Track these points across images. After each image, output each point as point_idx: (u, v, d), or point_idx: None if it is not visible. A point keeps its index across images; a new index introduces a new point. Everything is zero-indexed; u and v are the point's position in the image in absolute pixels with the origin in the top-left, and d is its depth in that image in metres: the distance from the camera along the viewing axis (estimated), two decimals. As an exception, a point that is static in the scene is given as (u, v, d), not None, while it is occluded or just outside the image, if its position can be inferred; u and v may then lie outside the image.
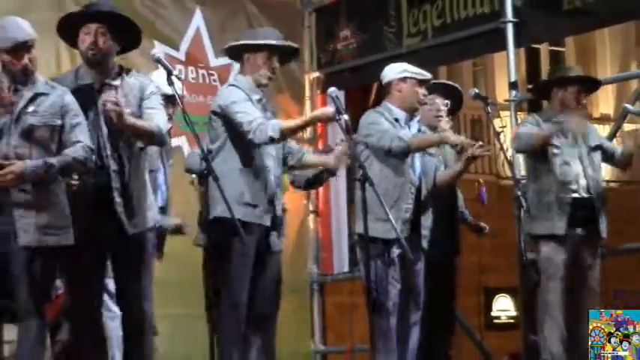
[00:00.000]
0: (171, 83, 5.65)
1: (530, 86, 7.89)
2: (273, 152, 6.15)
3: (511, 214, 6.91)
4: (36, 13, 7.73)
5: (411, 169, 6.58)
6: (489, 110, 6.99)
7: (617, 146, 7.28)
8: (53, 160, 5.31)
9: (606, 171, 10.22)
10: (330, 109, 5.91)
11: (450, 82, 7.89)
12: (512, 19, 7.94)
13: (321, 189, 8.85)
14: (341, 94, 6.84)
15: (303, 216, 9.30)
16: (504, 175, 14.50)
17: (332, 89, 5.99)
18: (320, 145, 9.22)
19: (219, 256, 6.18)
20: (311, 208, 9.31)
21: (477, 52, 9.93)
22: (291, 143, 6.52)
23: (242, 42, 6.21)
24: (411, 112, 6.63)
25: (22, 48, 5.39)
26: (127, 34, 5.74)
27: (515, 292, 13.65)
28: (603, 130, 10.06)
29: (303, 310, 8.99)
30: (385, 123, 6.55)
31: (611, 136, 8.54)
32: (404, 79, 6.62)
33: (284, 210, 6.41)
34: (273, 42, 6.19)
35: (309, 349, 9.10)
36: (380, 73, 6.90)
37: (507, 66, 8.22)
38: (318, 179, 6.74)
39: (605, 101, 18.42)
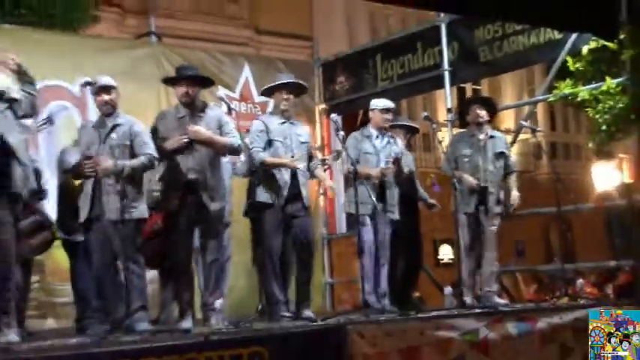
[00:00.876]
0: (229, 113, 6.63)
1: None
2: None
3: (450, 195, 7.18)
4: (143, 70, 8.57)
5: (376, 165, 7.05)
6: (434, 127, 7.69)
7: (512, 157, 7.58)
8: (126, 163, 5.77)
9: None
10: (292, 164, 6.37)
11: (407, 123, 8.18)
12: (447, 69, 8.71)
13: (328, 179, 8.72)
14: (339, 118, 7.09)
15: (316, 196, 9.36)
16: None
17: (333, 115, 7.07)
18: (327, 151, 9.54)
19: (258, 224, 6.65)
20: (321, 191, 9.37)
21: (426, 90, 10.55)
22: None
23: (270, 85, 6.83)
24: (381, 130, 7.20)
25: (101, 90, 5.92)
26: (206, 82, 6.42)
27: (452, 242, 14.81)
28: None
29: (317, 256, 8.51)
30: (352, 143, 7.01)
31: (512, 143, 9.13)
32: (372, 110, 7.24)
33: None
34: (285, 80, 6.74)
35: (321, 280, 9.41)
36: (363, 105, 7.72)
37: (445, 98, 8.94)
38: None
39: (508, 119, 18.96)
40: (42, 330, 7.07)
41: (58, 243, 7.04)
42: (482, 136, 7.32)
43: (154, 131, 6.16)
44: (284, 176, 6.52)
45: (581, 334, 6.17)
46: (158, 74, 8.47)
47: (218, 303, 5.71)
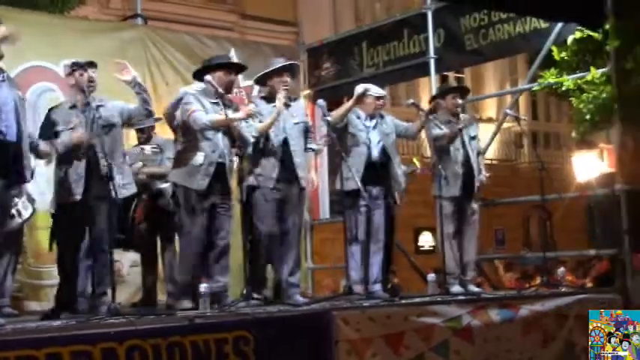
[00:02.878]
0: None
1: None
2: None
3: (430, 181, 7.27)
4: (129, 52, 8.36)
5: (364, 145, 6.94)
6: (421, 114, 7.24)
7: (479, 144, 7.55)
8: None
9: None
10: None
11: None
12: (433, 56, 8.75)
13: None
14: (325, 104, 6.81)
15: None
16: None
17: (320, 100, 6.86)
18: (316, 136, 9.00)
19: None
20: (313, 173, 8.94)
21: (411, 77, 10.74)
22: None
23: (265, 71, 6.74)
24: (370, 113, 7.11)
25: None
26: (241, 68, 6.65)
27: (433, 229, 14.80)
28: (488, 129, 10.27)
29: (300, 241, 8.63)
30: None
31: (496, 131, 9.45)
32: (366, 95, 7.07)
33: None
34: (285, 63, 6.75)
35: (304, 266, 9.03)
36: (348, 92, 7.48)
37: (429, 85, 8.98)
38: None
39: (490, 108, 19.02)
40: (24, 312, 7.00)
41: (42, 224, 7.06)
42: (459, 125, 7.26)
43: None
44: (271, 160, 6.43)
45: (563, 321, 6.50)
46: (144, 57, 8.61)
47: (204, 287, 5.66)
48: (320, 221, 9.98)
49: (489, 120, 18.11)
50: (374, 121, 7.17)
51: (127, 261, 7.97)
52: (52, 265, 7.01)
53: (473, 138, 7.37)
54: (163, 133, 7.34)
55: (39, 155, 5.76)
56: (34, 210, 6.53)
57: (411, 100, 7.64)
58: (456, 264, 7.20)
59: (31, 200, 6.49)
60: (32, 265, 7.65)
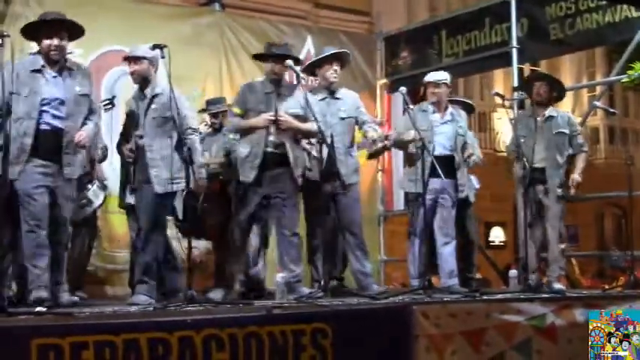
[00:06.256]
0: (298, 82, 6.21)
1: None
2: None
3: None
4: (206, 38, 8.46)
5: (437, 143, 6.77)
6: (507, 104, 7.23)
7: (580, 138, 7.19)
8: None
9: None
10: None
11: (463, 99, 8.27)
12: (516, 46, 8.45)
13: (386, 155, 9.14)
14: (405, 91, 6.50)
15: (374, 172, 9.52)
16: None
17: (402, 88, 6.50)
18: (388, 127, 9.23)
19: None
20: (379, 167, 9.53)
21: (491, 67, 10.25)
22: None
23: (320, 57, 6.66)
24: (437, 104, 6.91)
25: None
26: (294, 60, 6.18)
27: (504, 224, 14.58)
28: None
29: (374, 233, 9.10)
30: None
31: (582, 123, 8.94)
32: (425, 85, 7.05)
33: None
34: (335, 51, 6.63)
35: (377, 258, 9.20)
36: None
37: (512, 76, 8.57)
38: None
39: (565, 102, 18.18)
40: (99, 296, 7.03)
41: (114, 209, 7.11)
42: (539, 117, 7.05)
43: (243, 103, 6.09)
44: (316, 152, 6.29)
45: None
46: (221, 43, 8.61)
47: (280, 277, 5.55)
48: (393, 212, 9.81)
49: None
50: (445, 116, 6.98)
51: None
52: (126, 249, 7.16)
53: (560, 134, 7.06)
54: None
55: None
56: (105, 197, 6.62)
57: (496, 91, 7.52)
58: (535, 258, 6.98)
59: (104, 187, 6.56)
60: (107, 250, 7.67)
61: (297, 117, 6.08)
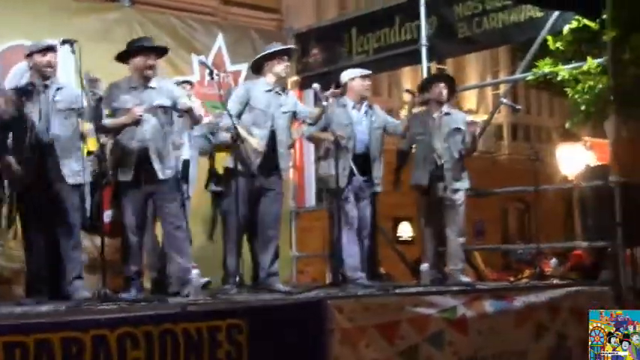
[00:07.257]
0: (212, 78, 6.29)
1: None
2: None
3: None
4: (115, 34, 8.25)
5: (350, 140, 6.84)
6: (417, 100, 7.33)
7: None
8: None
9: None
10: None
11: None
12: (425, 44, 8.53)
13: (298, 151, 9.13)
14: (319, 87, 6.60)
15: None
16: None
17: (315, 85, 6.62)
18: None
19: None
20: (290, 163, 8.83)
21: (401, 65, 10.44)
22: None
23: (271, 51, 6.61)
24: (359, 99, 7.04)
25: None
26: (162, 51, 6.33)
27: (411, 219, 14.76)
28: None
29: (285, 229, 8.83)
30: None
31: (488, 120, 9.49)
32: (353, 79, 7.07)
33: None
34: (287, 46, 6.80)
35: (289, 254, 9.19)
36: (336, 78, 7.30)
37: (421, 74, 8.66)
38: None
39: (470, 100, 18.91)
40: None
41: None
42: (436, 114, 7.20)
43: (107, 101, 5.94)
44: (253, 145, 6.30)
45: (555, 313, 6.44)
46: (130, 38, 8.11)
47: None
48: (305, 209, 9.80)
49: (469, 112, 17.78)
50: (362, 111, 7.05)
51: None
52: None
53: (456, 131, 7.20)
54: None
55: None
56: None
57: (407, 88, 7.53)
58: (434, 253, 7.14)
59: None
60: (14, 249, 7.05)
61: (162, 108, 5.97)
